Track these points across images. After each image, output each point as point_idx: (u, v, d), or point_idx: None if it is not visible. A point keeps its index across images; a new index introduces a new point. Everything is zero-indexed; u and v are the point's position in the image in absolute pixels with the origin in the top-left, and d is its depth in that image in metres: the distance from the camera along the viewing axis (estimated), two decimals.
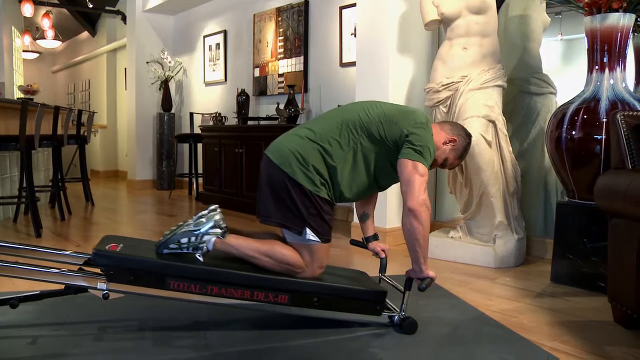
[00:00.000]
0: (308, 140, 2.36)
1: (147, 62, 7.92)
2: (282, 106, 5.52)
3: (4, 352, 2.14)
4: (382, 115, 2.42)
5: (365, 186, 2.45)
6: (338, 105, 2.79)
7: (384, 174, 2.45)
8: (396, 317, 2.42)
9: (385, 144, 2.39)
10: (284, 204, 2.32)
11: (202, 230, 2.28)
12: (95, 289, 2.18)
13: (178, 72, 8.01)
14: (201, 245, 2.28)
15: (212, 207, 2.40)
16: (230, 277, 2.25)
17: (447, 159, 2.57)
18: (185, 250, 2.28)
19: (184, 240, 2.27)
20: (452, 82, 3.62)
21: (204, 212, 2.36)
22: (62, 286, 2.26)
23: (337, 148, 2.36)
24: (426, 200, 2.31)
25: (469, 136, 2.64)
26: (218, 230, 2.30)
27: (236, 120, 6.27)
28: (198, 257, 2.26)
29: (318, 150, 2.34)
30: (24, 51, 10.82)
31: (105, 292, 2.17)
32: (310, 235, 2.32)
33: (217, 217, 2.33)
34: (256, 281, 2.28)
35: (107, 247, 2.25)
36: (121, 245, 2.30)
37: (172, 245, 2.28)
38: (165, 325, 2.46)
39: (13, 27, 8.89)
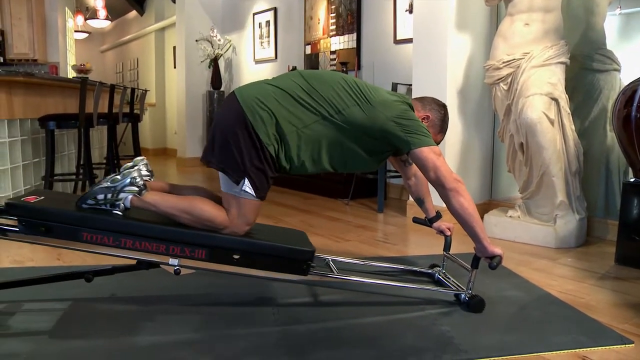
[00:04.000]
0: (279, 95, 2.29)
1: (196, 41, 7.98)
2: None
3: (80, 323, 2.22)
4: (363, 99, 2.32)
5: (312, 162, 2.34)
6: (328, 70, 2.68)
7: (344, 156, 2.37)
8: (463, 295, 2.41)
9: (359, 126, 2.30)
10: (229, 148, 2.24)
11: (117, 187, 2.23)
12: (167, 264, 2.23)
13: (227, 50, 8.05)
14: (117, 202, 2.23)
15: (138, 160, 2.36)
16: (143, 229, 2.19)
17: None
18: (103, 207, 2.22)
19: (101, 196, 2.22)
20: (514, 59, 3.55)
21: (128, 165, 2.31)
22: (134, 261, 2.33)
23: (301, 114, 2.28)
24: (456, 175, 2.33)
25: (442, 107, 2.59)
26: (134, 188, 2.24)
27: None
28: (116, 213, 2.22)
29: (284, 109, 2.26)
30: (74, 31, 11.00)
31: (177, 267, 2.21)
32: (247, 186, 2.23)
33: (135, 174, 2.27)
34: (171, 235, 2.21)
35: (23, 199, 2.22)
36: (41, 197, 2.27)
37: (89, 201, 2.23)
38: (233, 300, 2.51)
39: (66, 8, 9.05)
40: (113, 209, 2.23)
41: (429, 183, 2.67)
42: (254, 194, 2.25)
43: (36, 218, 2.15)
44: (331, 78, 2.37)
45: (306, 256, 2.31)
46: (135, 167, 2.31)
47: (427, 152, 2.28)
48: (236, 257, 2.25)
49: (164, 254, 2.21)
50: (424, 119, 2.51)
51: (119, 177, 2.26)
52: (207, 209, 2.26)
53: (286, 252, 2.29)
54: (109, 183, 2.24)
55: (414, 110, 2.44)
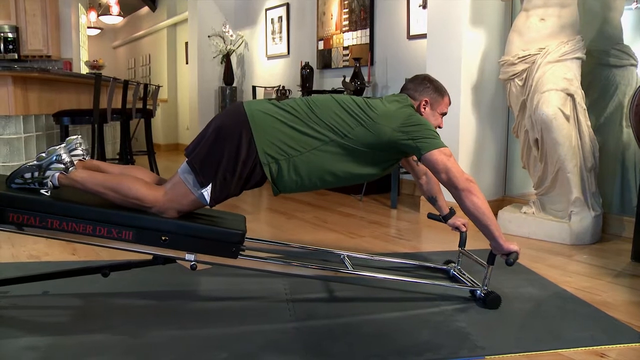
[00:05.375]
0: (287, 117, 2.28)
1: (208, 36, 7.98)
2: (347, 79, 5.49)
3: (97, 317, 2.24)
4: (365, 117, 2.30)
5: (323, 182, 2.33)
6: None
7: (355, 173, 2.35)
8: (479, 292, 2.41)
9: (367, 144, 2.30)
10: (212, 151, 2.21)
11: (43, 165, 2.19)
12: (183, 259, 2.24)
13: (239, 45, 8.05)
14: (45, 180, 2.18)
15: (71, 139, 2.32)
16: (69, 210, 2.13)
17: (441, 113, 2.56)
18: (31, 186, 2.19)
19: (28, 174, 2.18)
20: (529, 55, 3.53)
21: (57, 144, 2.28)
22: (150, 256, 2.33)
23: (308, 137, 2.26)
24: (468, 175, 2.32)
25: (424, 80, 2.55)
26: (60, 166, 2.20)
27: (300, 93, 6.27)
28: (44, 192, 2.18)
29: (292, 130, 2.25)
30: (87, 27, 11.04)
31: (193, 263, 2.22)
32: (205, 193, 2.21)
33: (61, 151, 2.22)
34: (97, 215, 2.14)
35: None
36: None
37: (17, 180, 2.19)
38: (248, 296, 2.52)
39: (80, 5, 9.09)
40: (41, 188, 2.20)
41: (440, 186, 2.68)
42: (207, 201, 2.24)
43: None
44: (331, 103, 2.35)
45: (235, 239, 2.25)
46: (63, 145, 2.28)
47: (437, 155, 2.28)
48: (164, 238, 2.20)
49: (91, 234, 2.15)
50: (424, 105, 2.50)
51: (44, 154, 2.22)
52: (136, 187, 2.21)
53: (215, 235, 2.25)
54: (35, 161, 2.22)
55: (414, 107, 2.45)
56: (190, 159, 2.25)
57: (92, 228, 2.14)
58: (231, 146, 2.20)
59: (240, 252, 2.30)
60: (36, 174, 2.19)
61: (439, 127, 2.52)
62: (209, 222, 2.32)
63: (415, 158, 2.68)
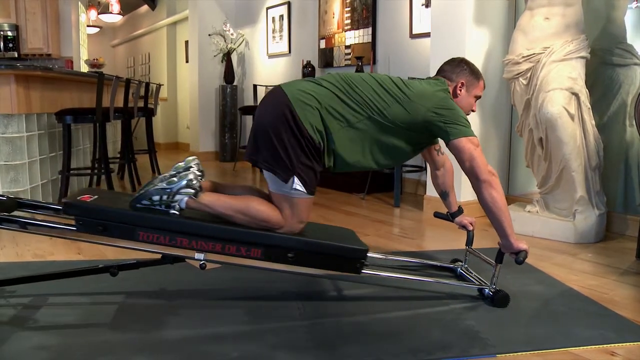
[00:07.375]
0: (323, 93, 2.29)
1: (209, 35, 7.98)
2: None
3: (106, 316, 2.23)
4: (402, 95, 2.33)
5: (357, 160, 2.35)
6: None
7: (389, 152, 2.38)
8: (487, 290, 2.41)
9: (402, 123, 2.32)
10: (275, 147, 2.22)
11: (173, 189, 2.22)
12: (193, 259, 2.24)
13: (240, 44, 8.04)
14: (173, 204, 2.22)
15: (190, 159, 2.33)
16: (200, 229, 2.20)
17: (475, 96, 2.57)
18: (157, 207, 2.23)
19: (156, 197, 2.22)
20: (534, 54, 3.53)
21: (180, 164, 2.29)
22: (159, 255, 2.33)
23: (346, 113, 2.28)
24: (491, 168, 2.34)
25: (461, 63, 2.58)
26: (191, 190, 2.23)
27: None
28: (173, 212, 2.22)
29: (330, 106, 2.27)
30: (87, 26, 11.02)
31: (203, 262, 2.22)
32: (297, 184, 2.22)
33: (191, 176, 2.25)
34: (227, 234, 2.22)
35: (78, 198, 2.23)
36: (95, 197, 2.28)
37: (144, 202, 2.23)
38: (257, 295, 2.51)
39: (79, 3, 9.07)
40: (168, 210, 2.23)
41: (454, 178, 2.68)
42: (305, 191, 2.25)
43: (94, 217, 2.17)
44: (369, 80, 2.37)
45: (360, 255, 2.32)
46: (191, 169, 2.29)
47: (465, 142, 2.29)
48: (290, 255, 2.26)
49: (220, 252, 2.22)
50: (460, 87, 2.51)
51: (175, 179, 2.24)
52: (263, 209, 2.26)
53: (340, 251, 2.31)
54: (164, 184, 2.23)
55: (450, 91, 2.47)
56: (264, 164, 2.27)
57: (220, 247, 2.22)
58: (288, 133, 2.21)
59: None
60: (165, 197, 2.22)
61: (472, 111, 2.55)
62: (330, 238, 2.39)
63: (437, 147, 2.69)
